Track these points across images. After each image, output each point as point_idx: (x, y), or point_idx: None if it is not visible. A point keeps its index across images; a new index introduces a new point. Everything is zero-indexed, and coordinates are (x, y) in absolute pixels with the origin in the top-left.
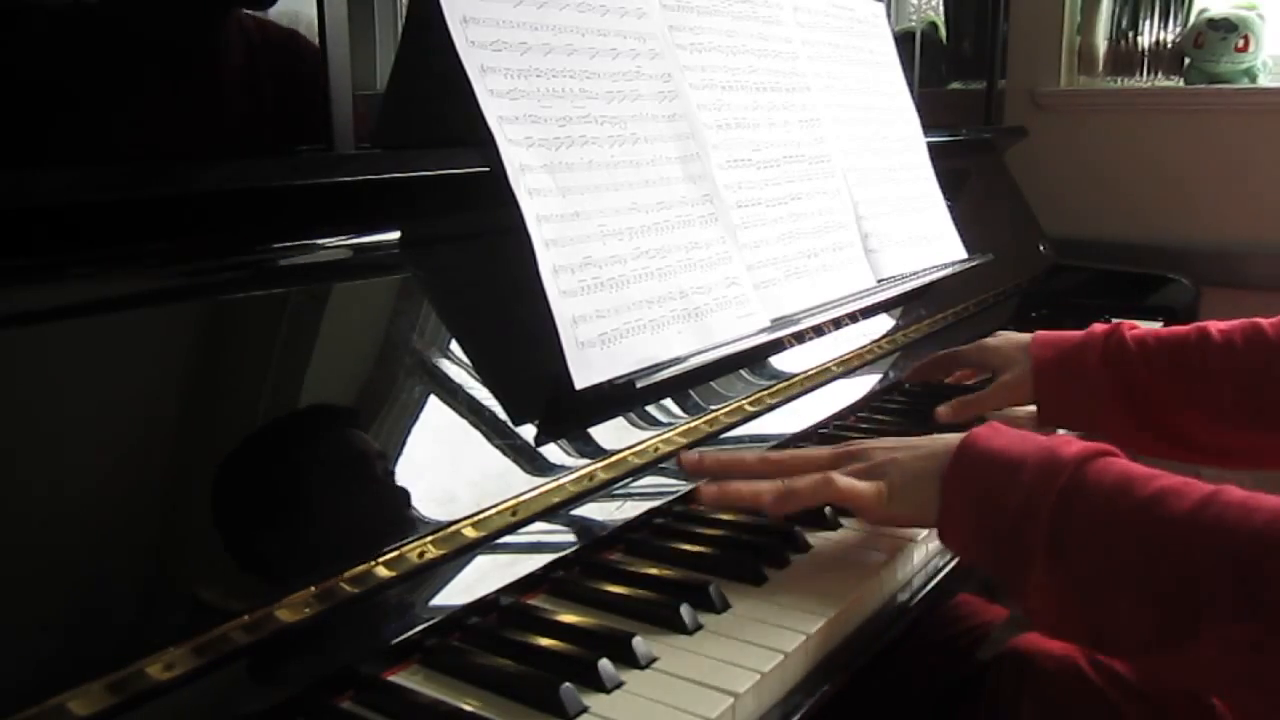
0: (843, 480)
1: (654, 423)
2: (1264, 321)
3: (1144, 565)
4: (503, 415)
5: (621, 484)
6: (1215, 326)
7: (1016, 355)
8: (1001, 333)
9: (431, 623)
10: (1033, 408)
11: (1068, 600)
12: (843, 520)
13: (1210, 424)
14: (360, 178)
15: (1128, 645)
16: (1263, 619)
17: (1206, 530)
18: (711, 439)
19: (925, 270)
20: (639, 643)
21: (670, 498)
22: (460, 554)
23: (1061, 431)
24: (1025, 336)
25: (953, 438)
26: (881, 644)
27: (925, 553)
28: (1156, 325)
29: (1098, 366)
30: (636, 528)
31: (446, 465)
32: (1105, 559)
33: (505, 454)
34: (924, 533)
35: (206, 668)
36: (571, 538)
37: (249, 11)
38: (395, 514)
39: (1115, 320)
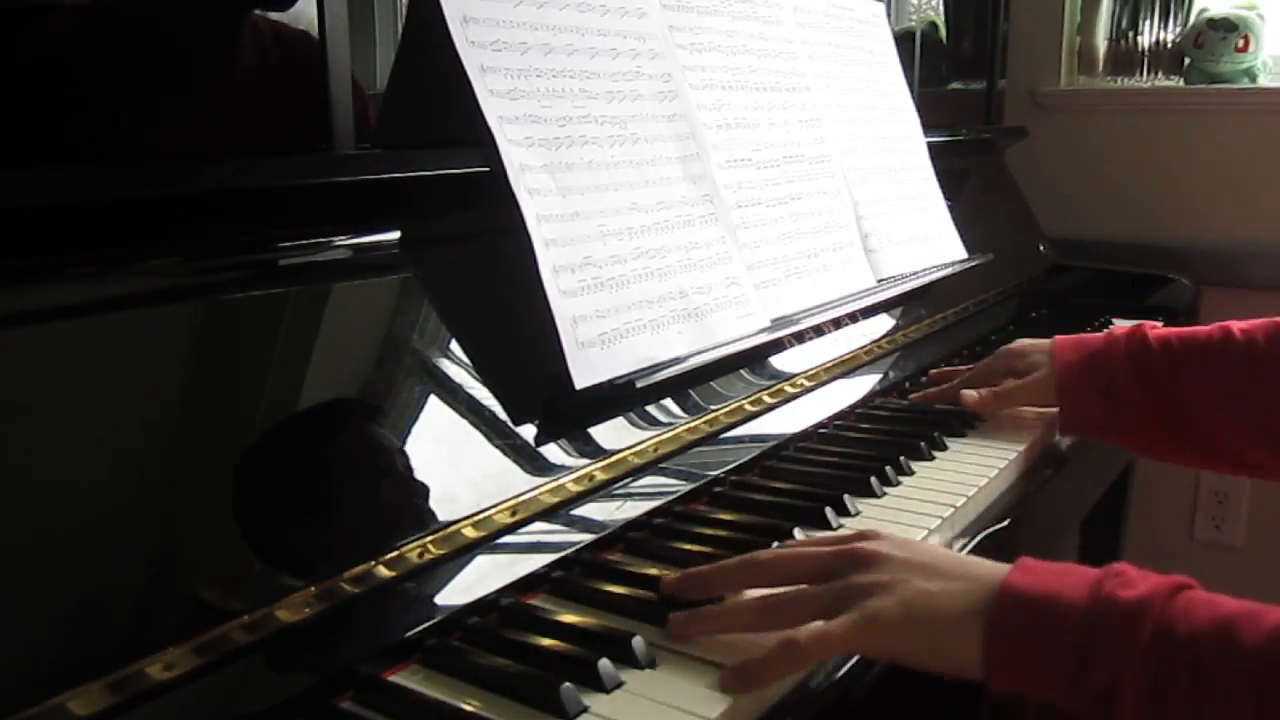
0: (808, 643)
1: (654, 423)
2: None
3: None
4: (503, 415)
5: (621, 484)
6: (1237, 326)
7: (1039, 358)
8: (1020, 340)
9: (431, 623)
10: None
11: None
12: (843, 521)
13: (1235, 426)
14: (360, 178)
15: None
16: None
17: None
18: (711, 439)
19: (925, 270)
20: (639, 643)
21: (670, 498)
22: (460, 554)
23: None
24: (1046, 341)
25: (984, 575)
26: None
27: None
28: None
29: (1123, 368)
30: (636, 528)
31: (446, 465)
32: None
33: (505, 454)
34: (928, 529)
35: (206, 668)
36: (571, 538)
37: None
38: (395, 514)
39: (1136, 322)
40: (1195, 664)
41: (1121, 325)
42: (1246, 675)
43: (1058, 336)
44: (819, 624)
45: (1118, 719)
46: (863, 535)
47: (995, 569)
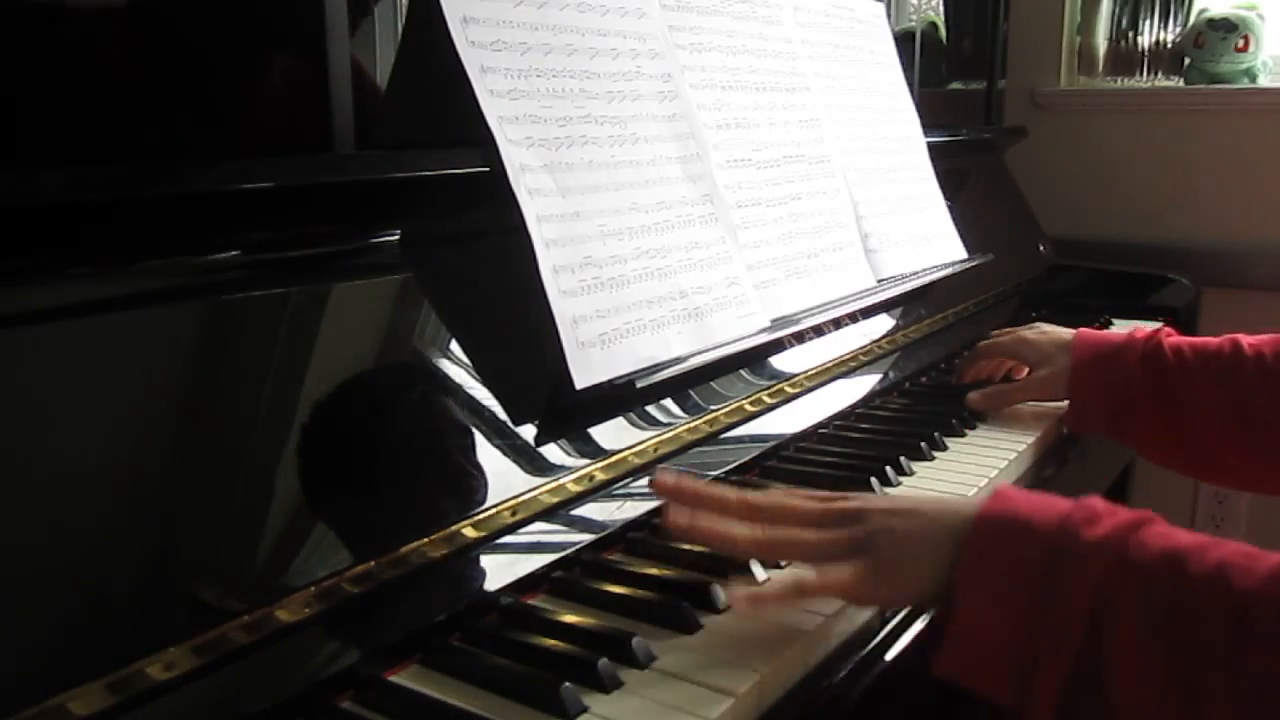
0: (815, 582)
1: (654, 423)
2: None
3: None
4: (503, 415)
5: (621, 484)
6: (1246, 340)
7: (1054, 352)
8: (1040, 325)
9: (431, 623)
10: (1061, 404)
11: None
12: None
13: (1237, 439)
14: (360, 178)
15: None
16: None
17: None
18: (711, 439)
19: (925, 270)
20: (639, 643)
21: None
22: (460, 554)
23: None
24: (1066, 333)
25: (961, 505)
26: (881, 644)
27: None
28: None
29: (1136, 371)
30: (636, 528)
31: (446, 465)
32: (1160, 656)
33: (505, 454)
34: None
35: (206, 668)
36: (571, 538)
37: None
38: (395, 514)
39: (1156, 326)
40: (1146, 592)
41: (1142, 327)
42: (1192, 603)
43: (1081, 330)
44: (826, 572)
45: (1069, 647)
46: (845, 496)
47: (972, 503)
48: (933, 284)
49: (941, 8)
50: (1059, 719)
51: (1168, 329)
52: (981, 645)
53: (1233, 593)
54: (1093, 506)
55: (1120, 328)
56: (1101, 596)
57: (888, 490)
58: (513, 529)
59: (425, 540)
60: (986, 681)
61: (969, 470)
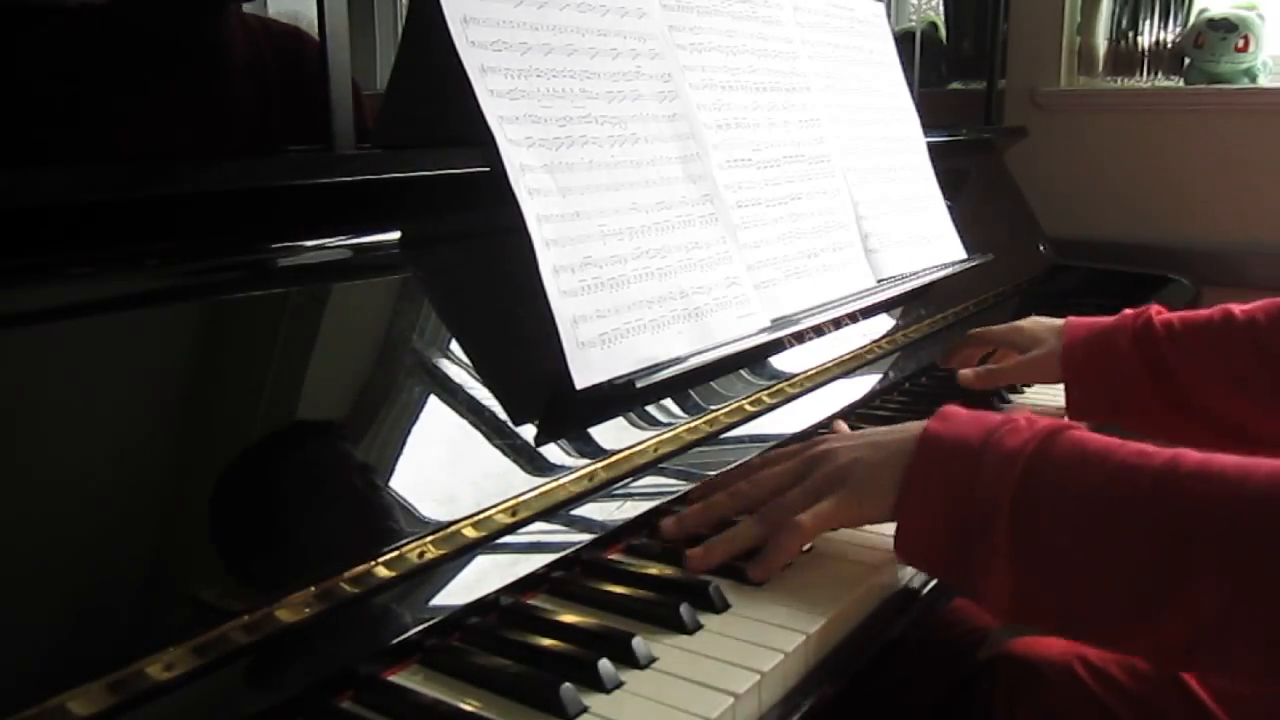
0: (807, 519)
1: (654, 423)
2: None
3: (1113, 540)
4: (503, 415)
5: (621, 484)
6: (1238, 307)
7: (1046, 336)
8: (1034, 317)
9: (431, 623)
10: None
11: (1033, 584)
12: None
13: (1234, 398)
14: (360, 178)
15: (1095, 624)
16: (1237, 581)
17: (1174, 497)
18: (711, 439)
19: (925, 270)
20: (639, 643)
21: (670, 498)
22: (460, 554)
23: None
24: (1058, 321)
25: (912, 428)
26: (881, 644)
27: None
28: None
29: (1128, 347)
30: (636, 528)
31: (446, 465)
32: (1071, 538)
33: (505, 454)
34: None
35: (206, 668)
36: (571, 538)
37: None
38: (395, 514)
39: (1145, 306)
40: (1060, 486)
41: (1130, 310)
42: (1098, 505)
43: (1070, 317)
44: (811, 509)
45: (995, 538)
46: (812, 443)
47: (920, 426)
48: (933, 284)
49: (941, 8)
50: (1014, 590)
51: (1158, 306)
52: (919, 536)
53: (1137, 486)
54: (1016, 420)
55: (1130, 310)
56: (1020, 489)
57: None
58: (512, 529)
59: (425, 540)
60: (929, 566)
61: None
